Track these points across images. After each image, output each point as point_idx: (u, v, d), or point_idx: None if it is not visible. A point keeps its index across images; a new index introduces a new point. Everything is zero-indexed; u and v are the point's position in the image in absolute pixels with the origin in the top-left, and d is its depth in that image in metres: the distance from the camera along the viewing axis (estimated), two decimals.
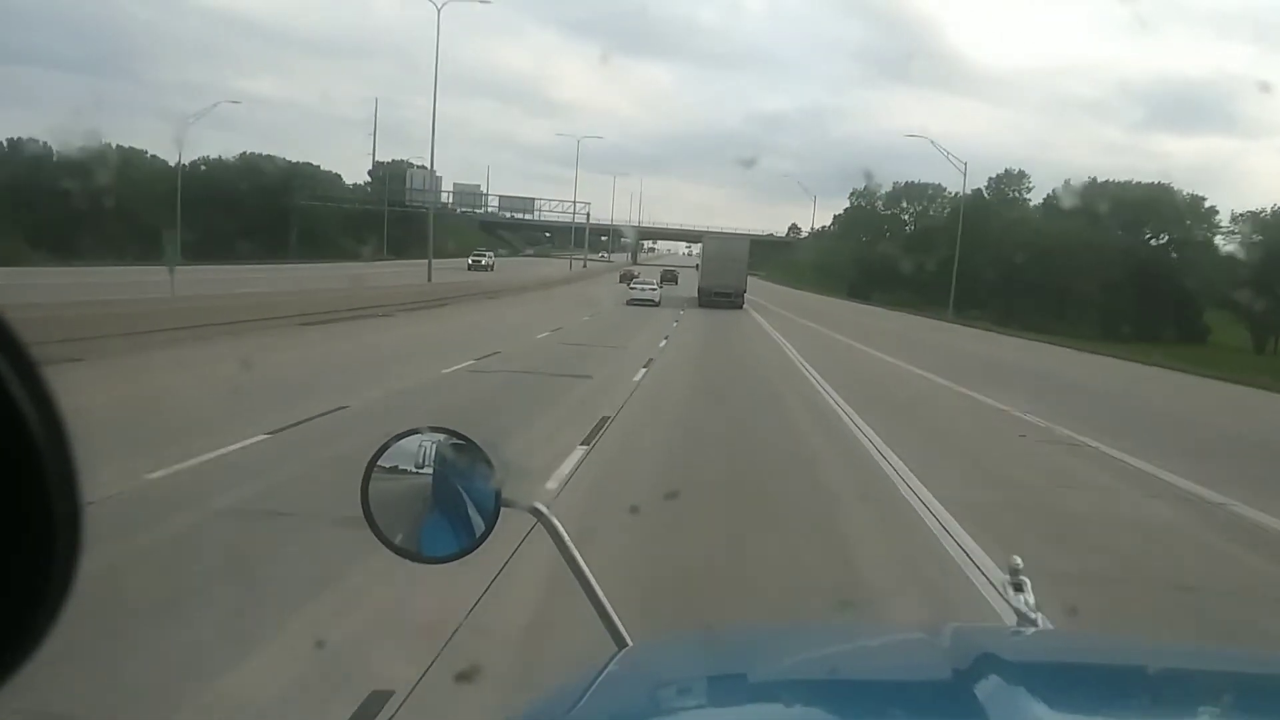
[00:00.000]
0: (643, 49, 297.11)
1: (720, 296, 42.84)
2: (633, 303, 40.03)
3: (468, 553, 1.50)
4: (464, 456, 1.49)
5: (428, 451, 1.49)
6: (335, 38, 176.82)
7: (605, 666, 1.34)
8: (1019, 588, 1.74)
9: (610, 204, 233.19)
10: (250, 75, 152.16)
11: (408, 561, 1.52)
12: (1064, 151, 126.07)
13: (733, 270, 44.69)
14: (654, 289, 43.59)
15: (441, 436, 1.50)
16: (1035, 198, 70.12)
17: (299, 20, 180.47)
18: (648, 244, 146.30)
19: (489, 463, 1.48)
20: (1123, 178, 71.05)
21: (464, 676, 3.90)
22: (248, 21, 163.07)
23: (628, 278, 53.60)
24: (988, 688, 1.07)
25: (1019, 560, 1.78)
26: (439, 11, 45.03)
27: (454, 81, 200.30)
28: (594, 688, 1.24)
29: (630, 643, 1.48)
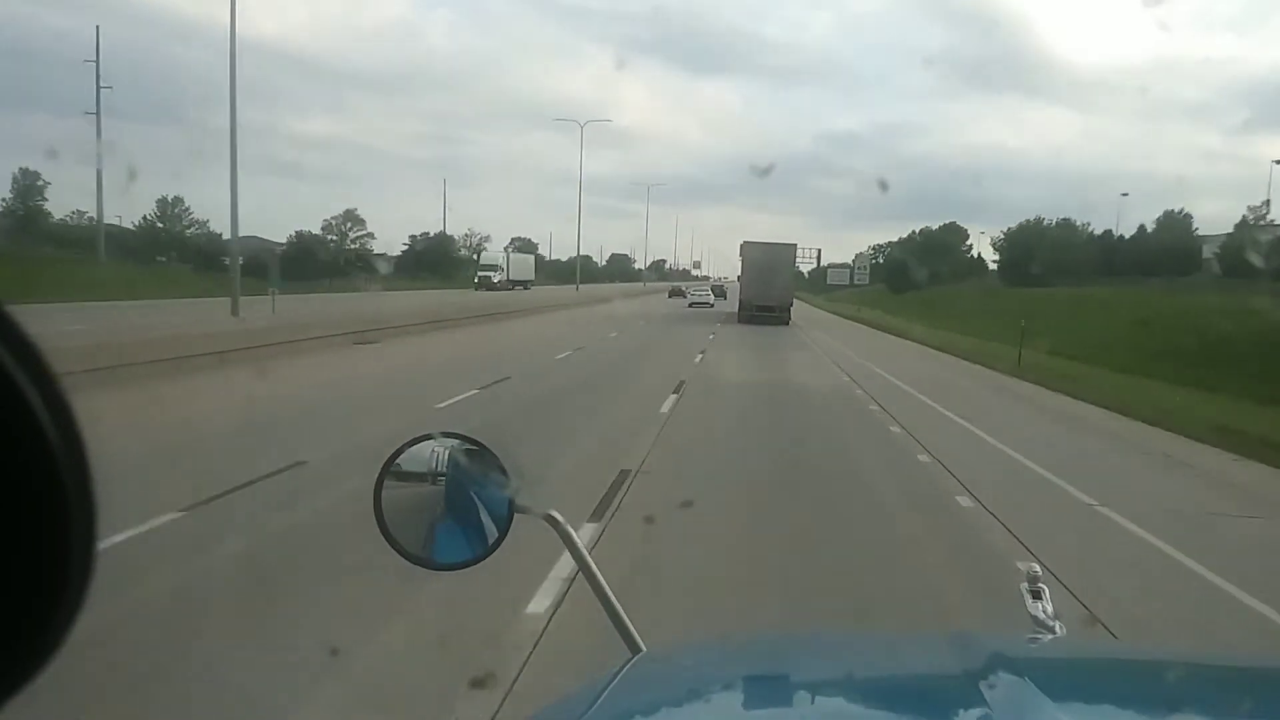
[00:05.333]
0: (708, 69, 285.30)
1: (763, 311, 38.32)
2: (693, 305, 53.45)
3: (480, 560, 1.50)
4: (477, 462, 1.49)
5: (440, 457, 1.49)
6: (383, 69, 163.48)
7: (619, 672, 1.34)
8: (1037, 595, 1.73)
9: (673, 235, 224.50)
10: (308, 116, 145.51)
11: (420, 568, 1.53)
12: (1154, 161, 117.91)
13: (778, 282, 39.83)
14: (709, 295, 57.18)
15: (454, 442, 1.50)
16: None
17: (350, 56, 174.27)
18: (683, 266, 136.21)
19: (502, 469, 1.48)
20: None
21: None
22: (297, 60, 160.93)
23: (677, 293, 68.12)
24: (1004, 694, 1.07)
25: (1037, 568, 1.77)
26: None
27: (506, 110, 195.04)
28: (607, 693, 1.24)
29: (644, 648, 1.48)
